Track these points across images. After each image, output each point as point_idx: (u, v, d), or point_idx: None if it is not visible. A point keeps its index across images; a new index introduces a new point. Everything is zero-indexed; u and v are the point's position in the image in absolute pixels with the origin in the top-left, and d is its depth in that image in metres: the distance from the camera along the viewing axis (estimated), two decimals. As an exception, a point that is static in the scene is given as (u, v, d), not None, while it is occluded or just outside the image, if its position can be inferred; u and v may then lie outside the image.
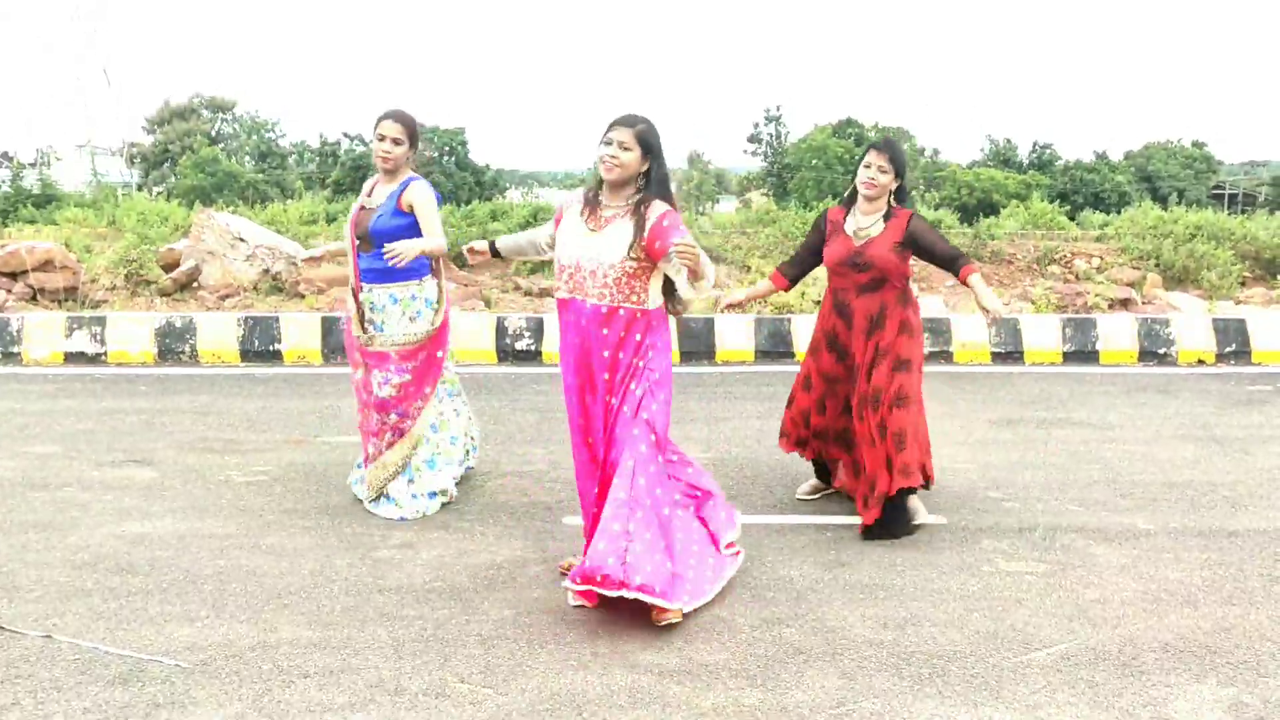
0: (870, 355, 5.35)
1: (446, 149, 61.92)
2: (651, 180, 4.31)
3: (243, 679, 3.76)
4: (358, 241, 5.55)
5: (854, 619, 4.31)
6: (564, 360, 4.49)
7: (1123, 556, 5.06)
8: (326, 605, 4.42)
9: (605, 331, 4.32)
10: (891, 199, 5.39)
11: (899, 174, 5.32)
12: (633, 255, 4.24)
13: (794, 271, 5.72)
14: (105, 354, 10.45)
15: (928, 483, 5.48)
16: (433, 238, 5.39)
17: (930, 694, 3.69)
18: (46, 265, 12.40)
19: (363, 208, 5.57)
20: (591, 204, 4.39)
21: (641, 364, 4.33)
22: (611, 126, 4.27)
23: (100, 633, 4.12)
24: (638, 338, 4.32)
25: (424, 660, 3.91)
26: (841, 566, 4.91)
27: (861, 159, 5.40)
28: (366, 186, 5.69)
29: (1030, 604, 4.48)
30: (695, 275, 4.16)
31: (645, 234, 4.22)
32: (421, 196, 5.44)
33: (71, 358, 10.40)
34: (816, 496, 5.95)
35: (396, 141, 5.45)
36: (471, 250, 4.86)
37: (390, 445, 5.63)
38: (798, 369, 5.84)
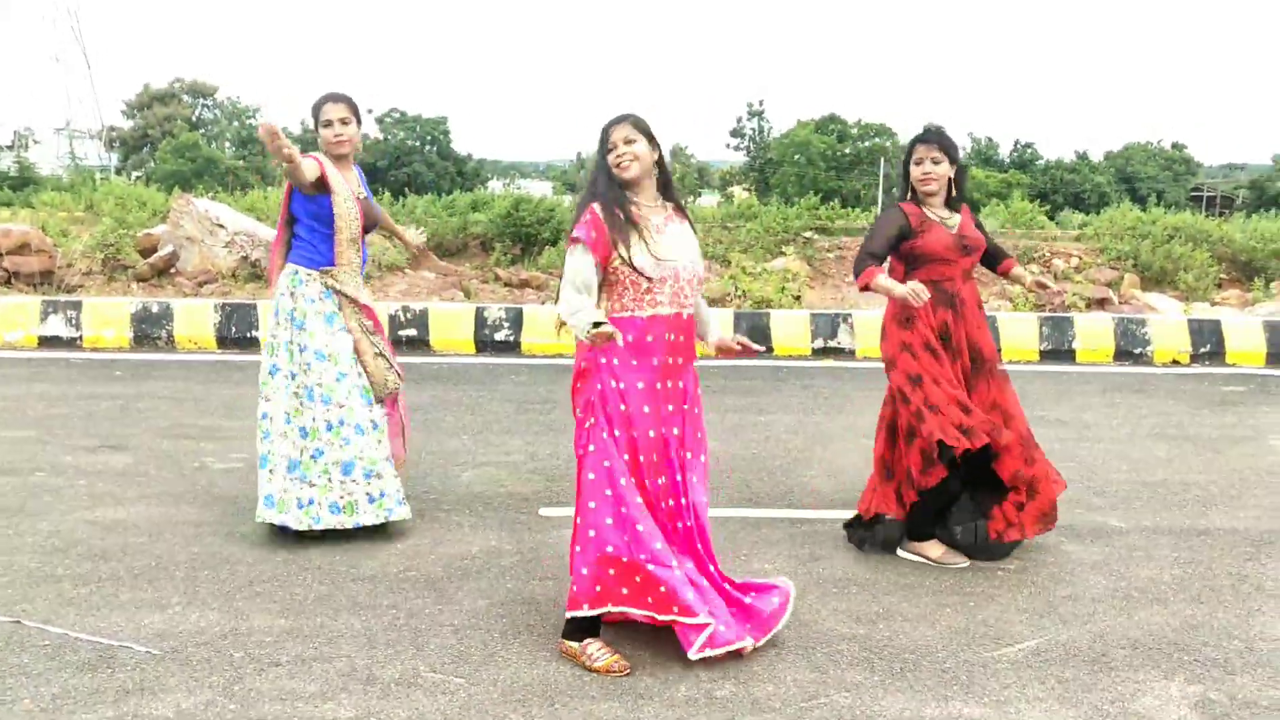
0: (991, 347, 5.09)
1: (428, 138, 61.69)
2: (664, 166, 4.13)
3: (214, 666, 3.74)
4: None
5: (826, 613, 4.32)
6: (632, 387, 3.95)
7: (1094, 554, 5.09)
8: (299, 593, 4.41)
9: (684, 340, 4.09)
10: (952, 188, 5.01)
11: (953, 160, 4.97)
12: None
13: (881, 252, 4.95)
14: (81, 338, 10.39)
15: None
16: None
17: (901, 688, 3.71)
18: (22, 248, 12.31)
19: (360, 198, 5.13)
20: (628, 208, 4.01)
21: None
22: (609, 129, 4.04)
23: (70, 619, 4.09)
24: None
25: (396, 649, 3.91)
26: (815, 561, 4.93)
27: (908, 157, 5.02)
28: (336, 174, 5.02)
29: (1002, 600, 4.51)
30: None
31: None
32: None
33: (46, 342, 10.33)
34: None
35: (345, 122, 5.03)
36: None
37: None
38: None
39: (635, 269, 3.91)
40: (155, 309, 10.61)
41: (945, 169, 4.92)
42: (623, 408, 3.90)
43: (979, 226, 5.10)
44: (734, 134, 67.85)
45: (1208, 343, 10.89)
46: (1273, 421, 8.07)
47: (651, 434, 3.94)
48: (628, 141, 4.03)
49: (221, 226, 13.15)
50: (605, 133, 4.07)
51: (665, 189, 4.13)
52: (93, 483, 5.86)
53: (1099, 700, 3.64)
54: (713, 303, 11.95)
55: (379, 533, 5.14)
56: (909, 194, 5.00)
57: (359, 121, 5.13)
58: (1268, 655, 4.02)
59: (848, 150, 64.93)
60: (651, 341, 3.96)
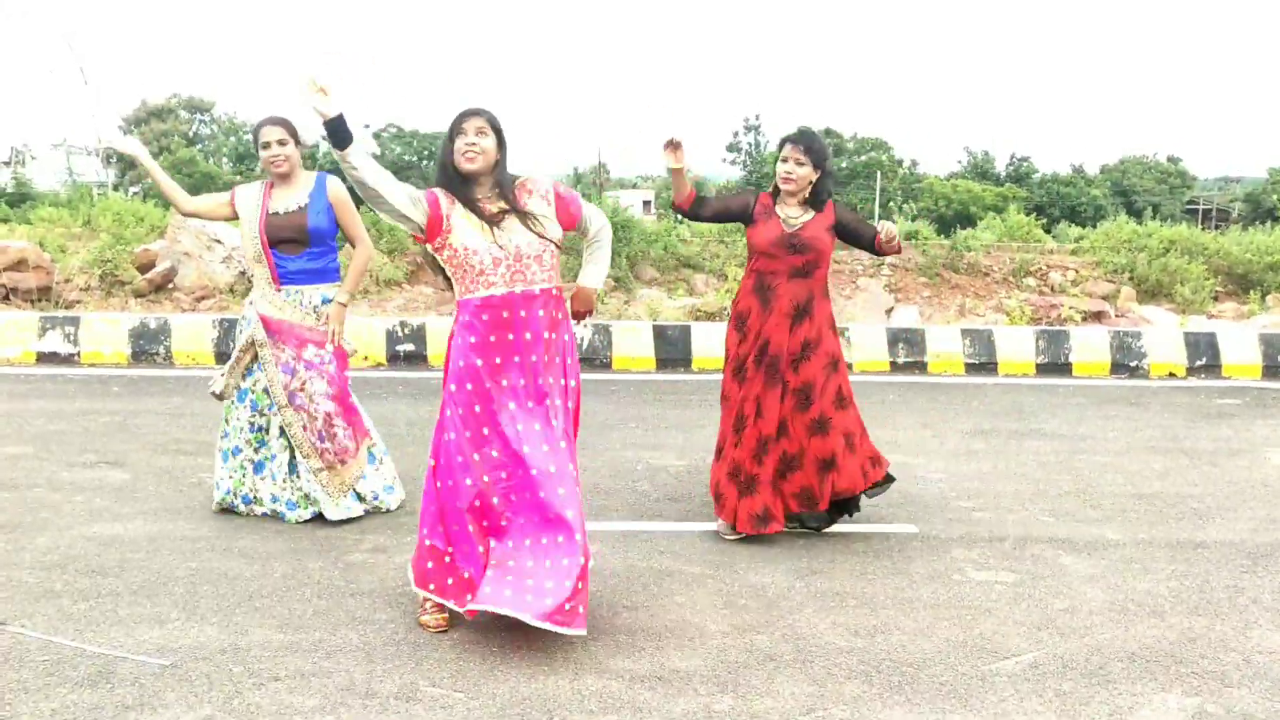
0: (797, 347, 5.25)
1: (426, 153, 61.77)
2: (504, 165, 4.21)
3: (213, 681, 3.74)
4: (273, 246, 5.39)
5: (824, 626, 4.33)
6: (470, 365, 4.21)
7: (1091, 567, 5.10)
8: (298, 608, 4.41)
9: (559, 315, 4.28)
10: (809, 194, 5.24)
11: (817, 165, 5.18)
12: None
13: (711, 204, 5.35)
14: (78, 355, 10.39)
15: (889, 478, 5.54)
16: (362, 245, 5.60)
17: (899, 701, 3.71)
18: (20, 265, 12.32)
19: (274, 214, 5.39)
20: (471, 201, 4.17)
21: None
22: (463, 118, 4.13)
23: (69, 634, 4.10)
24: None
25: (395, 664, 3.91)
26: (813, 574, 4.94)
27: (779, 153, 5.28)
28: (254, 195, 5.47)
29: (999, 613, 4.52)
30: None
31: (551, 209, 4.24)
32: (344, 193, 5.49)
33: (44, 358, 10.34)
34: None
35: (282, 143, 5.39)
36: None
37: (351, 454, 5.61)
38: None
39: (469, 250, 4.08)
40: (153, 325, 10.62)
41: (807, 171, 5.17)
42: (469, 386, 4.14)
43: (843, 224, 5.31)
44: (730, 149, 68.04)
45: (1204, 355, 10.92)
46: (1269, 434, 8.09)
47: (485, 405, 4.15)
48: (479, 132, 4.12)
49: (219, 242, 13.17)
50: (458, 120, 4.15)
51: (500, 188, 4.18)
52: (91, 498, 5.86)
53: (1096, 713, 3.65)
54: (709, 317, 11.98)
55: (377, 548, 5.15)
56: (774, 186, 5.32)
57: (296, 141, 5.45)
58: (1265, 667, 4.03)
59: (844, 164, 65.11)
60: (487, 320, 4.13)
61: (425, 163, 65.59)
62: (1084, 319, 12.86)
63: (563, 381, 4.30)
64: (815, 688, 3.80)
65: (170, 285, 12.87)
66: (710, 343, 10.73)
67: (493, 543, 4.15)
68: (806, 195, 5.25)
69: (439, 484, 4.19)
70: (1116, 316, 13.26)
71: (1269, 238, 15.94)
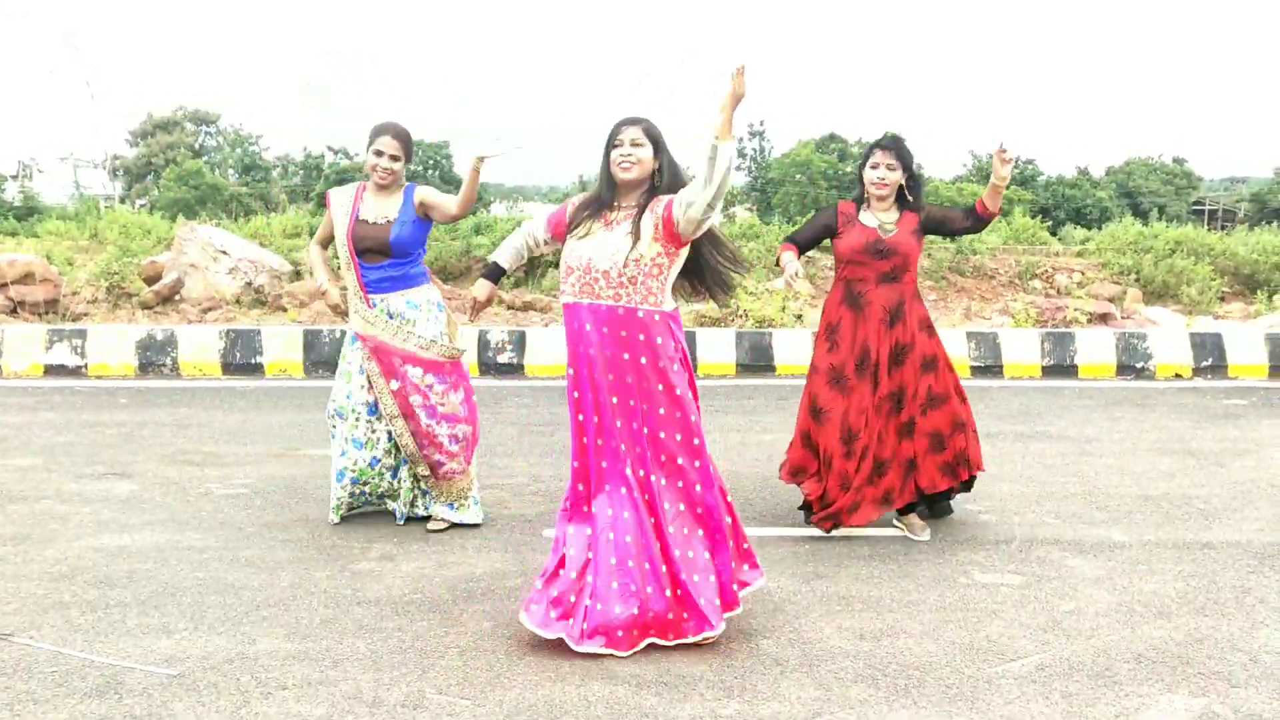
0: (889, 351, 5.36)
1: (431, 163, 61.88)
2: (664, 174, 4.19)
3: (221, 691, 3.76)
4: (359, 255, 5.41)
5: (830, 630, 4.33)
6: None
7: (1098, 568, 5.10)
8: (305, 617, 4.42)
9: (623, 334, 4.15)
10: (903, 196, 5.40)
11: (906, 168, 5.35)
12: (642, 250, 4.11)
13: (802, 240, 5.56)
14: (86, 367, 10.43)
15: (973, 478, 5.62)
16: (460, 204, 5.44)
17: (905, 704, 3.71)
18: (27, 278, 12.37)
19: (363, 220, 5.42)
20: (600, 206, 4.22)
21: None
22: (621, 126, 4.17)
23: (78, 645, 4.11)
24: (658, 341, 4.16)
25: (402, 672, 3.92)
26: (819, 579, 4.94)
27: (866, 160, 5.41)
28: (345, 199, 5.52)
29: (1006, 615, 4.51)
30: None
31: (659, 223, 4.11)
32: (429, 190, 5.52)
33: (52, 370, 10.37)
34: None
35: (395, 158, 5.43)
36: (476, 303, 4.63)
37: (465, 464, 5.64)
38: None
39: (562, 256, 4.24)
40: (160, 336, 10.65)
41: (898, 176, 5.33)
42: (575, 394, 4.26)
43: (931, 220, 5.42)
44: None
45: (1210, 356, 10.90)
46: (1275, 434, 8.07)
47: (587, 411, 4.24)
48: (635, 144, 4.12)
49: (225, 253, 13.21)
50: (616, 129, 4.18)
51: (651, 194, 4.18)
52: (98, 510, 5.88)
53: (1103, 715, 3.65)
54: (714, 323, 11.98)
55: (384, 556, 5.16)
56: (862, 195, 5.44)
57: (408, 158, 5.51)
58: (1272, 668, 4.02)
59: (849, 169, 64.91)
60: (566, 325, 4.24)
61: (430, 172, 65.66)
62: (1090, 321, 12.84)
63: (644, 406, 4.16)
64: (821, 692, 3.80)
65: (177, 297, 12.92)
66: (714, 349, 10.74)
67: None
68: (897, 200, 5.42)
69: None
70: (1123, 318, 13.24)
71: (1275, 238, 15.93)
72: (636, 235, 4.08)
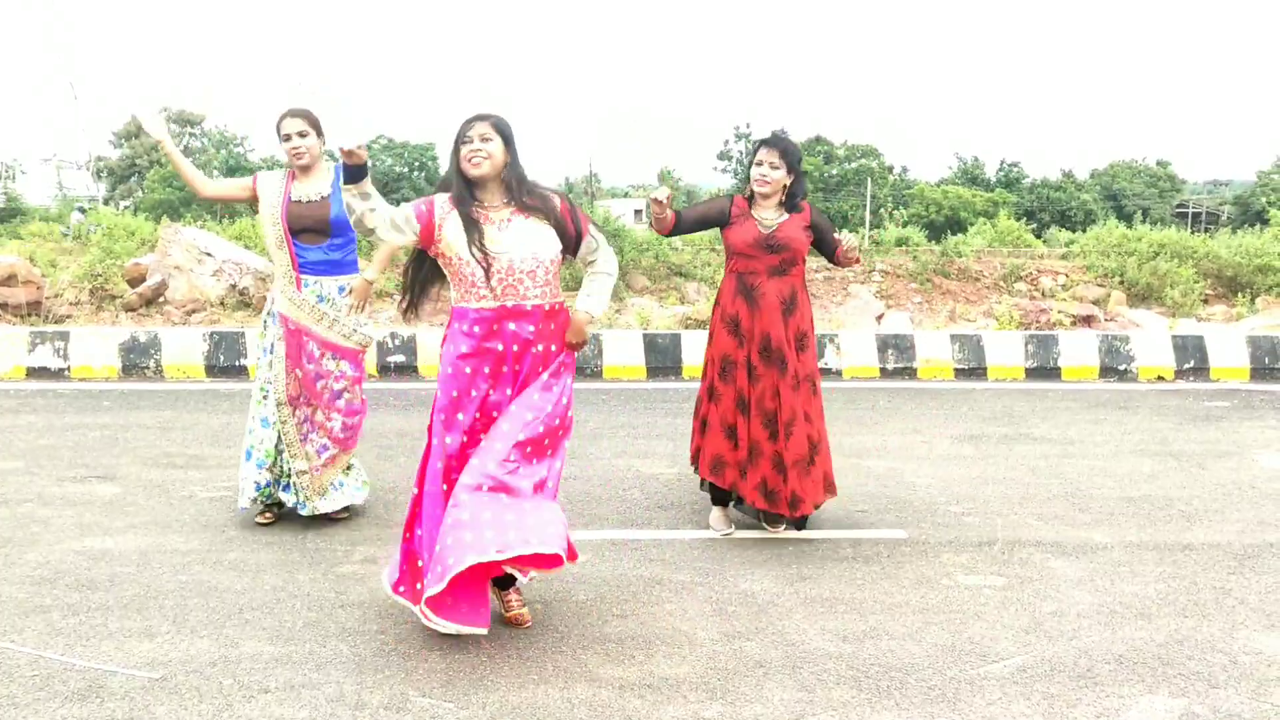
0: (792, 337, 5.35)
1: (416, 164, 61.78)
2: (515, 172, 4.22)
3: (203, 694, 3.75)
4: (294, 235, 5.48)
5: (814, 632, 4.34)
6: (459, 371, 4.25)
7: (1080, 570, 5.12)
8: (288, 620, 4.41)
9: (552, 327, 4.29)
10: (784, 197, 5.38)
11: (791, 169, 5.32)
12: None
13: (689, 217, 5.45)
14: (69, 369, 10.38)
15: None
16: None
17: (888, 706, 3.73)
18: (9, 280, 12.31)
19: (297, 201, 5.47)
20: (469, 207, 4.18)
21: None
22: (469, 124, 4.16)
23: (59, 649, 4.10)
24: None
25: (385, 674, 3.92)
26: (803, 580, 4.95)
27: (753, 157, 5.41)
28: (276, 182, 5.55)
29: (988, 617, 4.53)
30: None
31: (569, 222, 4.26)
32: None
33: (34, 372, 10.32)
34: (733, 530, 5.65)
35: (303, 134, 5.45)
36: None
37: (331, 460, 5.67)
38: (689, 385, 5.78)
39: (462, 259, 4.12)
40: (143, 338, 10.61)
41: (782, 175, 5.31)
42: (454, 393, 4.19)
43: (815, 228, 5.43)
44: (721, 157, 68.10)
45: (1192, 359, 10.96)
46: (1256, 436, 8.12)
47: (468, 407, 4.20)
48: (484, 139, 4.15)
49: (209, 255, 13.17)
50: (464, 126, 4.18)
51: (509, 190, 4.21)
52: (81, 513, 5.86)
53: (1083, 715, 3.67)
54: (701, 325, 11.99)
55: (368, 559, 5.16)
56: (750, 190, 5.43)
57: (318, 133, 5.51)
58: (1251, 668, 4.05)
59: (835, 171, 65.25)
60: (479, 332, 4.17)
61: (416, 174, 65.60)
62: (1073, 323, 12.90)
63: (554, 384, 4.27)
64: (804, 693, 3.81)
65: (161, 299, 12.87)
66: (699, 351, 10.74)
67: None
68: (782, 198, 5.39)
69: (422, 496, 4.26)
70: (1106, 320, 13.31)
71: (1258, 240, 16.01)
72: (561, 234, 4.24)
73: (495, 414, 4.21)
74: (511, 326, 4.16)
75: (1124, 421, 8.65)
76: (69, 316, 12.34)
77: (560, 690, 3.81)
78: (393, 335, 10.83)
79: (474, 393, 4.18)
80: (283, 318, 5.52)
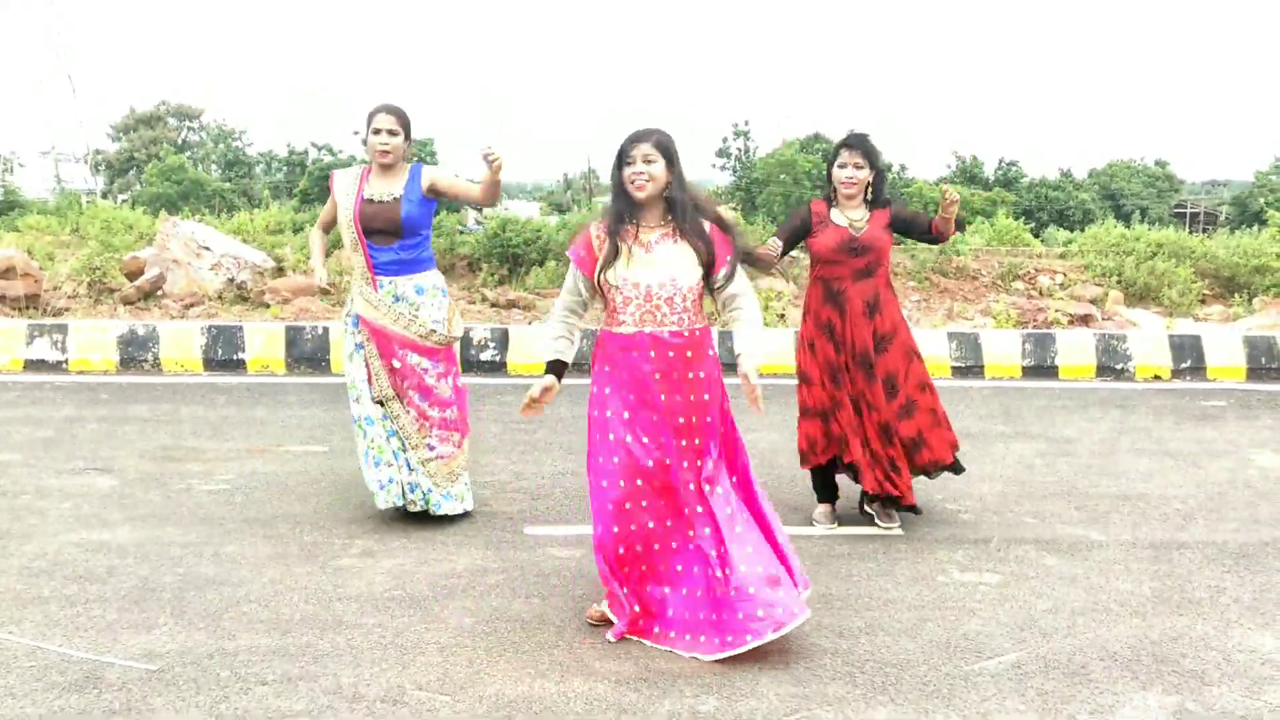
0: (873, 340, 5.44)
1: (415, 160, 61.68)
2: (676, 191, 4.15)
3: (200, 686, 3.76)
4: (368, 236, 5.43)
5: (809, 628, 4.35)
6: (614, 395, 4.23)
7: (1075, 568, 5.14)
8: (286, 613, 4.43)
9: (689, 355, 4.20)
10: (869, 193, 5.48)
11: (873, 166, 5.42)
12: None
13: (783, 239, 5.51)
14: (67, 362, 10.38)
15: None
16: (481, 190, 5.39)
17: (883, 701, 3.74)
18: (7, 272, 12.29)
19: (369, 200, 5.43)
20: (621, 228, 4.15)
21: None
22: (631, 144, 4.10)
23: (57, 640, 4.11)
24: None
25: (382, 668, 3.93)
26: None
27: (834, 159, 5.48)
28: (348, 183, 5.54)
29: (983, 614, 4.55)
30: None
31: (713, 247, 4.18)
32: (442, 172, 5.59)
33: (32, 365, 10.32)
34: (836, 526, 5.69)
35: (393, 133, 5.46)
36: (533, 401, 4.34)
37: (456, 445, 5.63)
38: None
39: (610, 285, 4.12)
40: (141, 332, 10.61)
41: (866, 174, 5.40)
42: (608, 414, 4.18)
43: (900, 219, 5.54)
44: (720, 154, 68.05)
45: (1188, 358, 10.97)
46: (1252, 436, 8.14)
47: (636, 448, 4.16)
48: (647, 160, 4.08)
49: (208, 249, 13.16)
50: (626, 146, 4.11)
51: (669, 211, 4.16)
52: (79, 505, 5.87)
53: (1077, 712, 3.68)
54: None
55: (365, 552, 5.17)
56: (832, 193, 5.49)
57: (407, 135, 5.55)
58: (1245, 665, 4.07)
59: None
60: (629, 356, 4.15)
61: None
62: (1071, 322, 12.90)
63: (707, 419, 4.25)
64: (800, 689, 3.82)
65: (159, 292, 12.86)
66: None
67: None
68: (866, 195, 5.48)
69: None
70: (1104, 319, 13.31)
71: (1255, 240, 16.01)
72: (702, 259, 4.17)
73: (646, 436, 4.17)
74: (652, 354, 4.13)
75: (1120, 420, 8.67)
76: (67, 309, 12.33)
77: (556, 684, 3.82)
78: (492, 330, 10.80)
79: (625, 413, 4.18)
80: (362, 319, 5.50)
